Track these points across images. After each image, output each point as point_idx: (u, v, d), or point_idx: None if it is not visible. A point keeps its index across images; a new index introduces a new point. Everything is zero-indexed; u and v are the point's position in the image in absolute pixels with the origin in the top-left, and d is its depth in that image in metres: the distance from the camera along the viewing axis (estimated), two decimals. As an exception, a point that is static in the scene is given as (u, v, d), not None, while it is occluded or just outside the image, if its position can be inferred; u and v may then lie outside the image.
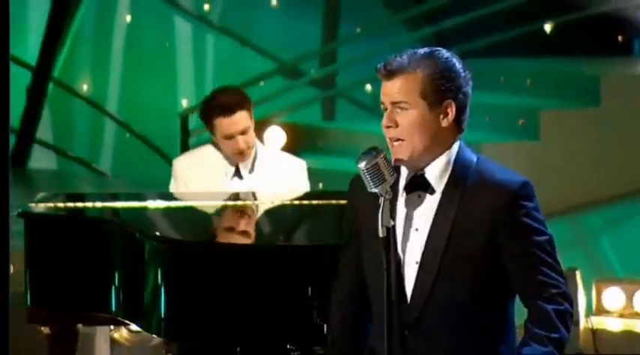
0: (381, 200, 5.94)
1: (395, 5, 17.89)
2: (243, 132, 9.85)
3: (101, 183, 18.18)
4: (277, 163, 10.33)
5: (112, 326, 10.62)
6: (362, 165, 5.95)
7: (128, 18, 18.67)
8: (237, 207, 9.91)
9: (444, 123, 5.93)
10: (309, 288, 7.75)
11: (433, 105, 5.93)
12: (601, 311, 13.43)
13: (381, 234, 5.91)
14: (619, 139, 14.97)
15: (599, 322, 13.10)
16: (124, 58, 18.63)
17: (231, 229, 9.78)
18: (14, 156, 17.75)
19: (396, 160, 6.02)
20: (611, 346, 13.10)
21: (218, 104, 9.97)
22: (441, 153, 6.04)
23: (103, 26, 18.88)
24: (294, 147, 15.97)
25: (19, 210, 9.43)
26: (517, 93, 16.65)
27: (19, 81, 17.83)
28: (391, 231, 6.07)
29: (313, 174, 14.15)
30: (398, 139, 6.04)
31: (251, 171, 10.03)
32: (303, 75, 17.98)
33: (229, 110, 9.81)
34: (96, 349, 10.83)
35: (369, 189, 5.97)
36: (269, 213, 10.01)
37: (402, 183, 6.06)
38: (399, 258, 6.17)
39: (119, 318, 8.95)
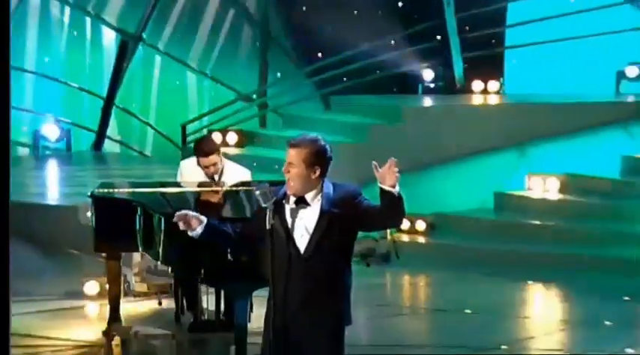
0: (268, 210, 6.20)
1: (299, 62, 17.36)
2: (214, 165, 9.93)
3: (145, 162, 17.24)
4: (235, 172, 10.21)
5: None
6: (257, 192, 6.25)
7: (159, 70, 17.91)
8: (205, 193, 9.91)
9: (313, 176, 6.23)
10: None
11: (307, 168, 6.23)
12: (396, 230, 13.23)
13: (267, 227, 6.19)
14: (412, 141, 14.46)
15: (397, 236, 13.06)
16: (157, 92, 17.93)
17: (201, 205, 9.68)
18: (95, 145, 17.28)
19: (290, 192, 6.34)
20: (403, 250, 12.82)
21: (201, 150, 10.04)
22: (313, 188, 6.26)
23: (144, 74, 17.79)
24: (241, 143, 15.89)
25: (89, 194, 9.84)
26: (357, 114, 15.97)
27: (97, 105, 17.22)
28: (276, 223, 6.37)
29: (251, 159, 14.36)
30: (289, 180, 6.31)
31: (220, 177, 10.01)
32: (252, 101, 17.19)
33: (206, 154, 9.95)
34: (133, 262, 10.89)
35: (262, 205, 6.26)
36: (221, 196, 9.78)
37: (292, 199, 6.31)
38: (290, 233, 6.39)
39: (141, 250, 9.50)
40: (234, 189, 9.84)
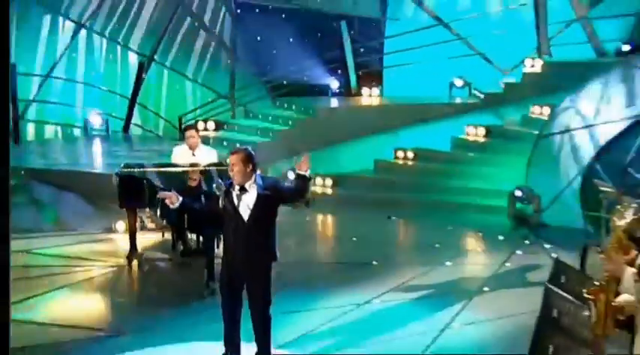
0: (220, 197, 6.41)
1: (256, 74, 16.88)
2: (192, 137, 9.75)
3: (157, 139, 16.32)
4: (207, 151, 9.94)
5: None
6: (214, 186, 6.53)
7: (166, 79, 17.36)
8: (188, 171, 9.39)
9: (248, 170, 6.31)
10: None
11: (244, 166, 6.32)
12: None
13: (220, 206, 6.42)
14: (324, 127, 14.44)
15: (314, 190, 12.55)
16: (165, 93, 17.36)
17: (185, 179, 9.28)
18: (124, 128, 16.62)
19: (235, 183, 6.38)
20: (317, 198, 12.62)
21: (185, 127, 10.64)
22: (249, 179, 6.33)
23: (156, 82, 17.12)
24: (217, 128, 15.29)
25: (116, 172, 9.76)
26: (291, 110, 15.53)
27: (125, 102, 16.64)
28: (227, 203, 6.41)
29: (223, 139, 14.33)
30: (234, 175, 6.38)
31: (198, 153, 9.71)
32: (227, 98, 16.52)
33: (186, 129, 10.13)
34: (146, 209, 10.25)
35: (217, 193, 6.46)
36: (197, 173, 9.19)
37: (237, 187, 6.36)
38: (237, 209, 6.41)
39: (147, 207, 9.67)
40: (206, 168, 9.54)
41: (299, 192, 6.69)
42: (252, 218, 6.48)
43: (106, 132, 16.44)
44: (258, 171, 6.68)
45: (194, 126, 10.29)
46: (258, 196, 6.45)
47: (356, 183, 13.16)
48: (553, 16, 15.06)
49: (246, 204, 6.47)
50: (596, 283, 5.18)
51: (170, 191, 8.12)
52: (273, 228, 6.62)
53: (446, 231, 11.26)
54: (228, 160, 6.68)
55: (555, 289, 6.00)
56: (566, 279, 6.27)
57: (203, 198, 7.63)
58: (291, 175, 6.81)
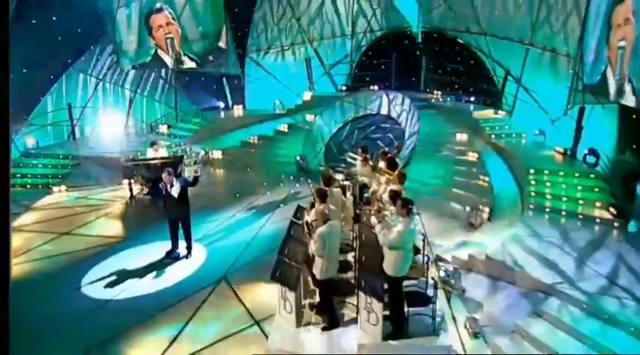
0: (164, 188, 6.27)
1: (188, 100, 15.38)
2: (153, 151, 9.13)
3: (142, 135, 13.39)
4: (161, 148, 9.42)
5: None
6: (160, 185, 6.44)
7: (145, 104, 14.80)
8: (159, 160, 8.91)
9: (172, 177, 5.92)
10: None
11: (170, 176, 5.90)
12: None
13: (164, 193, 6.31)
14: (219, 127, 13.08)
15: (213, 157, 11.65)
16: (145, 112, 15.00)
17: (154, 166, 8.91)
18: (124, 128, 14.04)
19: (167, 183, 6.04)
20: (216, 161, 11.57)
21: (151, 144, 9.21)
22: (174, 180, 5.99)
23: (140, 105, 14.58)
24: (169, 128, 13.66)
25: (127, 159, 9.13)
26: (205, 120, 13.88)
27: (124, 117, 14.75)
28: (166, 191, 6.29)
29: (171, 135, 12.85)
30: (167, 182, 6.05)
31: (158, 152, 9.09)
32: (174, 110, 14.84)
33: (152, 146, 9.14)
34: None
35: (161, 186, 6.38)
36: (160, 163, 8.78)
37: (169, 184, 6.12)
38: (170, 193, 6.32)
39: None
40: (162, 160, 9.12)
41: (194, 184, 6.87)
42: (178, 197, 6.75)
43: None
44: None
45: (155, 143, 9.19)
46: (181, 186, 6.71)
47: (232, 153, 12.25)
48: (316, 70, 14.81)
49: (175, 191, 6.74)
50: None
51: (145, 173, 8.69)
52: (187, 199, 6.82)
53: (270, 176, 10.84)
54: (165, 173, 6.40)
55: (294, 219, 6.05)
56: (300, 214, 6.18)
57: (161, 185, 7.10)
58: (193, 172, 6.86)
